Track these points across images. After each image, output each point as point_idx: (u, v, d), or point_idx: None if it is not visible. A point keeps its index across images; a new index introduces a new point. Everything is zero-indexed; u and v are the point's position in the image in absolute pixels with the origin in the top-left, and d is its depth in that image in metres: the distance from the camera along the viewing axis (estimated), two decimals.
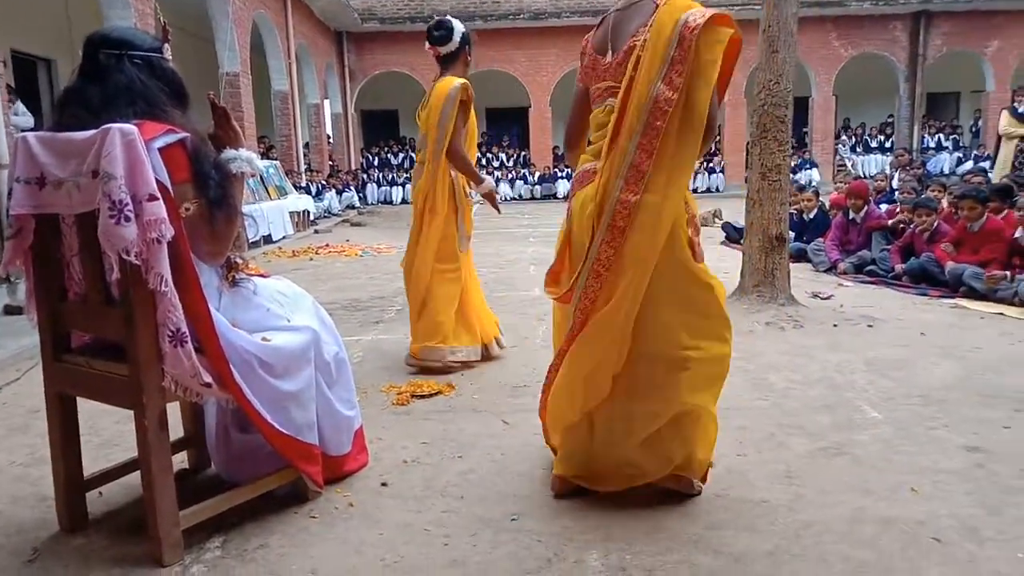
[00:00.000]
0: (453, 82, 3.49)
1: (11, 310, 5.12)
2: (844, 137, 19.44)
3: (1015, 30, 17.66)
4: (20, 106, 6.82)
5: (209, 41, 10.76)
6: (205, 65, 11.31)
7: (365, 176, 18.72)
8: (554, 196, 18.49)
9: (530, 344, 4.10)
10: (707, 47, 1.86)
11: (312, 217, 12.56)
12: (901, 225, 6.43)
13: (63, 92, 1.91)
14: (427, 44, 3.67)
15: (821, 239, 6.95)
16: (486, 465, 2.48)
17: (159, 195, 1.71)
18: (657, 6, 1.94)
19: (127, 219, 1.67)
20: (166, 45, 2.01)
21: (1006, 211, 5.73)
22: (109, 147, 1.67)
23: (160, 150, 1.76)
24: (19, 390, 3.51)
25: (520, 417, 2.93)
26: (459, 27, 3.61)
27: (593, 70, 2.14)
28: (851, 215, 6.80)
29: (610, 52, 2.05)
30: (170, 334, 1.79)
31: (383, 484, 2.35)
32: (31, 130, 4.43)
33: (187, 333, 1.81)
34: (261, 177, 10.61)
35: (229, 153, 1.98)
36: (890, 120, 19.19)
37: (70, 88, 1.88)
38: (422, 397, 3.20)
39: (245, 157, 1.99)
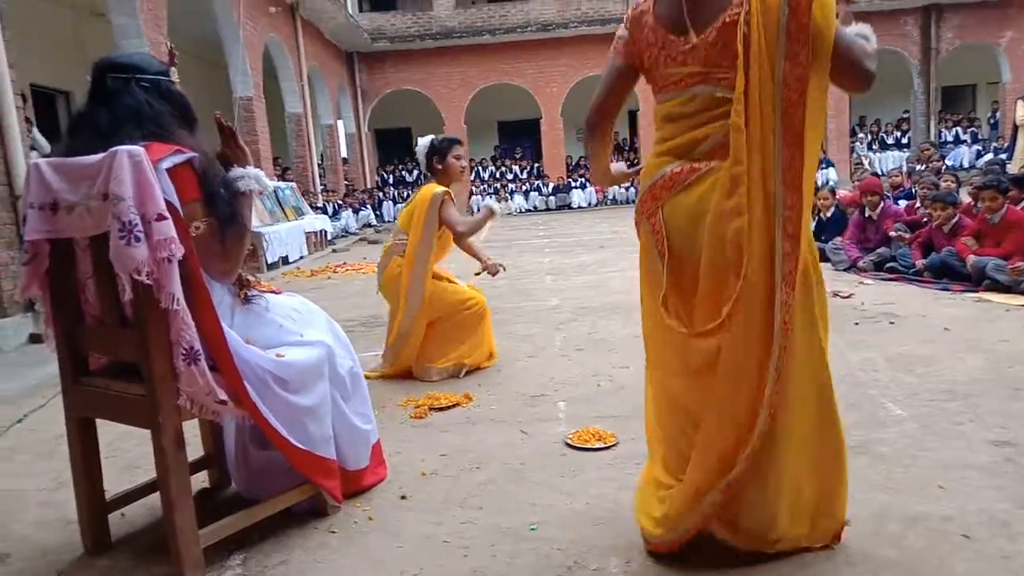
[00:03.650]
0: (435, 189, 3.76)
1: (36, 338, 5.20)
2: (860, 135, 19.26)
3: None
4: (39, 137, 6.95)
5: (222, 67, 10.93)
6: (219, 90, 11.50)
7: (381, 194, 18.85)
8: (568, 206, 18.50)
9: (548, 354, 4.08)
10: (820, 10, 1.57)
11: (329, 236, 12.66)
12: (925, 220, 6.34)
13: (73, 117, 1.95)
14: None
15: (839, 238, 6.88)
16: (505, 475, 2.47)
17: (168, 215, 1.73)
18: None
19: (137, 239, 1.69)
20: (173, 68, 2.04)
21: None
22: (117, 169, 1.69)
23: (168, 170, 1.78)
24: (44, 416, 3.55)
25: (538, 427, 2.91)
26: (422, 145, 3.89)
27: (661, 51, 1.75)
28: (867, 212, 6.73)
29: (691, 31, 1.69)
30: (184, 353, 1.80)
31: (402, 497, 2.34)
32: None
33: (200, 351, 1.82)
34: (278, 198, 10.74)
35: (237, 171, 2.00)
36: (906, 115, 18.99)
37: (80, 113, 1.91)
38: (440, 409, 3.20)
39: (253, 175, 2.01)
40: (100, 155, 1.74)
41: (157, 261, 1.71)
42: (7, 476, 2.78)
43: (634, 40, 1.81)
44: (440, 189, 3.75)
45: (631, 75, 1.86)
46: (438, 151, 3.84)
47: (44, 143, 6.82)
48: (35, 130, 6.96)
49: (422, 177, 18.74)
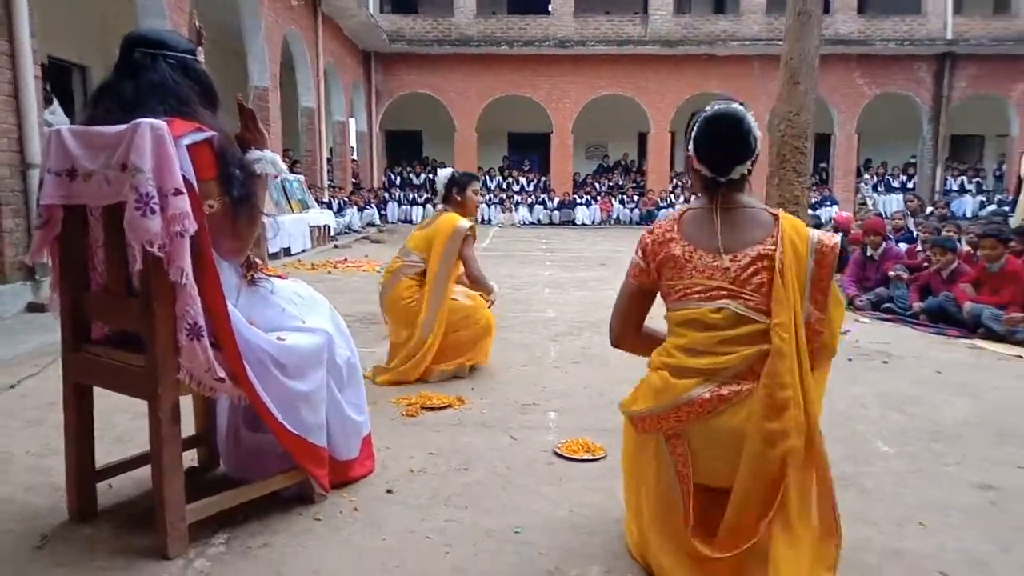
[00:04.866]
0: (458, 220, 3.82)
1: (34, 307, 5.21)
2: (866, 175, 19.41)
3: None
4: (57, 108, 6.98)
5: (241, 55, 10.99)
6: (236, 78, 11.54)
7: (387, 195, 18.91)
8: (572, 222, 18.55)
9: (542, 364, 4.10)
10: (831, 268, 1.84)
11: (332, 232, 12.68)
12: (925, 264, 6.39)
13: (97, 87, 1.96)
14: None
15: (839, 274, 6.93)
16: (491, 478, 2.48)
17: (184, 190, 1.76)
18: (776, 217, 1.83)
19: (152, 212, 1.71)
20: (199, 48, 2.07)
21: None
22: (139, 141, 1.71)
23: (188, 147, 1.81)
24: (37, 384, 3.56)
25: (527, 433, 2.93)
26: (442, 176, 4.03)
27: (688, 262, 1.84)
28: (869, 252, 6.78)
29: (723, 254, 1.81)
30: (187, 327, 1.82)
31: (388, 491, 2.35)
32: None
33: (204, 327, 1.84)
34: (285, 190, 10.77)
35: (254, 154, 2.03)
36: (913, 160, 19.14)
37: (105, 83, 1.93)
38: (432, 409, 3.21)
39: (269, 158, 2.04)
40: (122, 126, 1.76)
41: (170, 235, 1.73)
42: None
43: (651, 265, 1.92)
44: (465, 223, 3.82)
45: (648, 296, 2.00)
46: (458, 183, 3.99)
47: (59, 117, 6.86)
48: (55, 105, 6.98)
49: (428, 181, 18.71)
